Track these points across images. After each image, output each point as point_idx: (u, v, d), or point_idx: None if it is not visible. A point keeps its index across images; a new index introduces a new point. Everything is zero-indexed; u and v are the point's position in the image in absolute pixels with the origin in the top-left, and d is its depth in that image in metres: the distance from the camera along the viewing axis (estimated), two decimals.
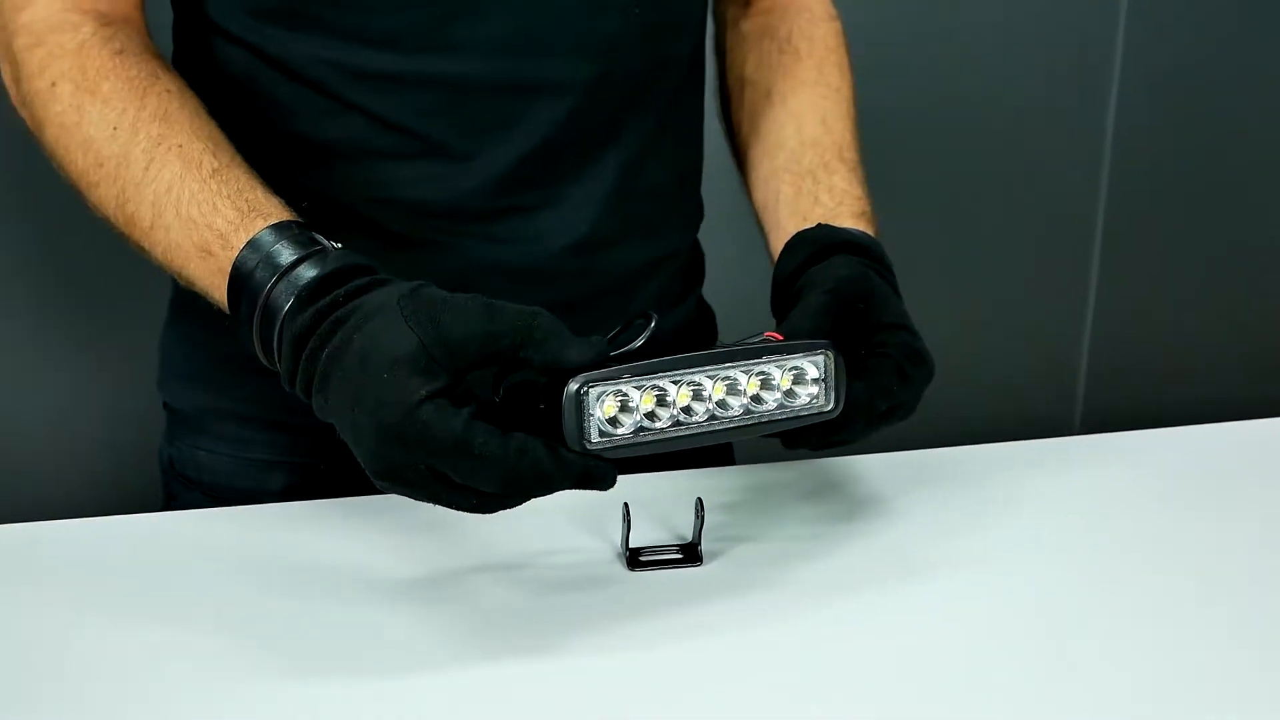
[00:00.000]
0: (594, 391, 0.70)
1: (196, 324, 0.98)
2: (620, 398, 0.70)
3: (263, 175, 0.80)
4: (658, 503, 0.87)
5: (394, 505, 0.79)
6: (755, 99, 1.00)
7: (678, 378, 0.72)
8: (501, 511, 0.71)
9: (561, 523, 0.86)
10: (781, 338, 0.77)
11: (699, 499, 0.83)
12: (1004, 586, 0.81)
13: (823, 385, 0.75)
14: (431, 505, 0.70)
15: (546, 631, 0.76)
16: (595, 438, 0.70)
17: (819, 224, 0.89)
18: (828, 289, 0.81)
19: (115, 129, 0.80)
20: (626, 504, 0.82)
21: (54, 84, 0.82)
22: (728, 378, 0.73)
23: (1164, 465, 0.97)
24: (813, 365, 0.75)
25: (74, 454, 1.47)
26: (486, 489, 0.69)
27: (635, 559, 0.82)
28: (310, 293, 0.71)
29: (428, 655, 0.73)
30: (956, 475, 0.94)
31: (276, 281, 0.73)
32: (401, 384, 0.67)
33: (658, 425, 0.72)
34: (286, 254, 0.73)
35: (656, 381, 0.71)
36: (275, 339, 0.72)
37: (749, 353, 0.74)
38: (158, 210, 0.78)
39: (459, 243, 0.91)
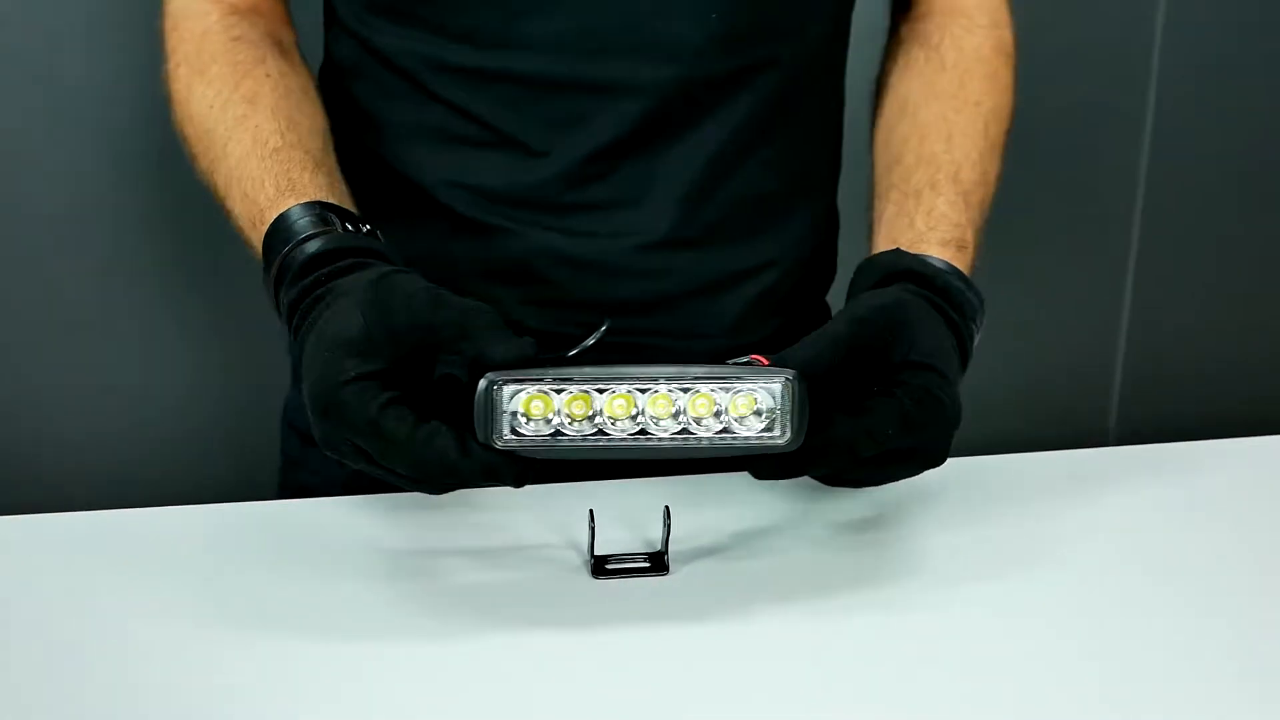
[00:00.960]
0: (507, 389, 0.70)
1: None
2: (536, 398, 0.70)
3: (356, 157, 0.91)
4: (638, 510, 0.85)
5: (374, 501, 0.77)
6: (891, 109, 0.97)
7: (603, 387, 0.70)
8: (473, 508, 0.75)
9: (532, 525, 0.84)
10: (766, 362, 0.74)
11: (666, 507, 0.81)
12: (1009, 598, 0.79)
13: (776, 416, 0.71)
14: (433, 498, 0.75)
15: (494, 635, 0.74)
16: (506, 434, 0.70)
17: (895, 249, 0.85)
18: (854, 318, 0.76)
19: (211, 107, 0.88)
20: (591, 510, 0.80)
21: (178, 65, 0.92)
22: (662, 393, 0.71)
23: (1201, 479, 0.93)
24: (766, 394, 0.71)
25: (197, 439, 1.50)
26: (400, 471, 0.71)
27: (601, 566, 0.80)
28: (302, 268, 0.77)
29: (375, 656, 0.72)
30: (977, 484, 0.91)
31: (286, 254, 0.78)
32: (336, 363, 0.70)
33: (578, 432, 0.70)
34: (301, 230, 0.79)
35: (576, 387, 0.70)
36: (280, 311, 0.79)
37: (698, 374, 0.71)
38: (229, 183, 0.85)
39: (528, 231, 0.92)
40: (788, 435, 0.71)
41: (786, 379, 0.71)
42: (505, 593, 0.78)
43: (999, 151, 0.95)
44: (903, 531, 0.85)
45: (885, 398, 0.75)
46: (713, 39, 0.89)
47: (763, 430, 0.71)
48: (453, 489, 0.73)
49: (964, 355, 0.82)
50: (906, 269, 0.82)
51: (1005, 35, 0.99)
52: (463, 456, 0.70)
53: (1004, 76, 0.97)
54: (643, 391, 0.71)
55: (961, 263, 0.86)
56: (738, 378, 0.71)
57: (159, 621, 0.75)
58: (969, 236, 0.88)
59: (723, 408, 0.71)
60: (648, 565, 0.80)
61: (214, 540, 0.83)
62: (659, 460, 0.79)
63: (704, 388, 0.71)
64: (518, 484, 0.72)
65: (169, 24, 0.94)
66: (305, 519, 0.86)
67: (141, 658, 0.72)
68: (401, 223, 0.93)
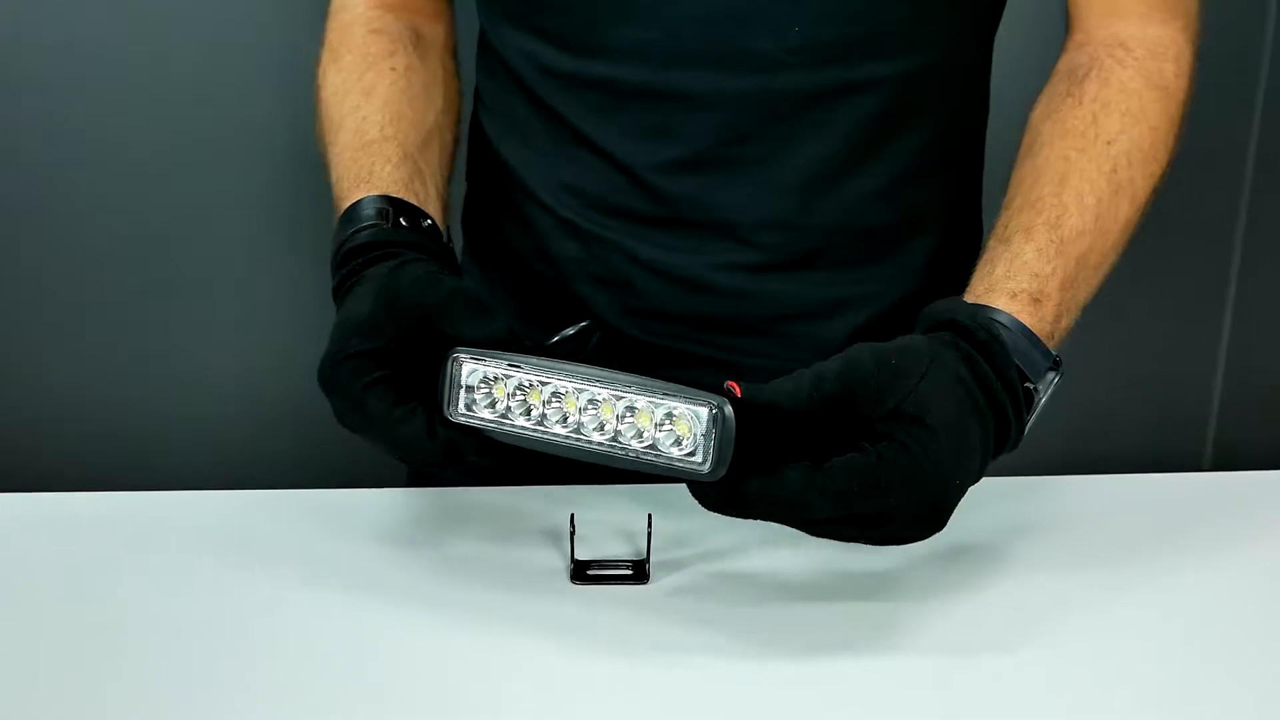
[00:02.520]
0: (466, 366, 0.72)
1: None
2: (491, 379, 0.71)
3: (485, 157, 0.97)
4: (633, 517, 0.83)
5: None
6: (1023, 148, 0.88)
7: (546, 379, 0.70)
8: (465, 505, 0.78)
9: (524, 526, 0.83)
10: (740, 392, 0.69)
11: (649, 515, 0.79)
12: (1030, 622, 0.75)
13: (699, 443, 0.68)
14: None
15: (464, 635, 0.73)
16: (461, 409, 0.72)
17: (955, 297, 0.78)
18: (848, 357, 0.70)
19: (335, 93, 0.92)
20: (572, 515, 0.79)
21: (324, 53, 0.96)
22: (593, 397, 0.70)
23: None
24: (692, 418, 0.68)
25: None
26: (379, 445, 0.74)
27: (582, 572, 0.78)
28: (345, 256, 0.81)
29: (346, 651, 0.72)
30: (1047, 505, 0.86)
31: (342, 242, 0.82)
32: (341, 340, 0.75)
33: (520, 421, 0.71)
34: (359, 220, 0.82)
35: (524, 376, 0.71)
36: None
37: (635, 384, 0.69)
38: (331, 168, 0.89)
39: (621, 240, 0.92)
40: (709, 465, 0.68)
41: (712, 406, 0.67)
42: (482, 593, 0.77)
43: (1132, 195, 0.84)
44: (912, 551, 0.80)
45: (855, 452, 0.68)
46: (794, 53, 0.85)
47: (686, 455, 0.69)
48: (435, 467, 0.74)
49: (1003, 420, 0.72)
50: (950, 319, 0.74)
51: (1166, 67, 0.88)
52: (428, 439, 0.72)
53: (1153, 113, 0.86)
54: (579, 392, 0.70)
55: (1032, 316, 0.76)
56: (668, 395, 0.68)
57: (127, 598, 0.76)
58: (1051, 288, 0.78)
59: (655, 423, 0.69)
60: (630, 573, 0.78)
61: (201, 526, 0.83)
62: (612, 468, 0.74)
63: (639, 400, 0.69)
64: (473, 474, 0.73)
65: (330, 12, 0.98)
66: (281, 510, 0.85)
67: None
68: (514, 219, 0.96)
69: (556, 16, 0.89)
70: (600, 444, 0.70)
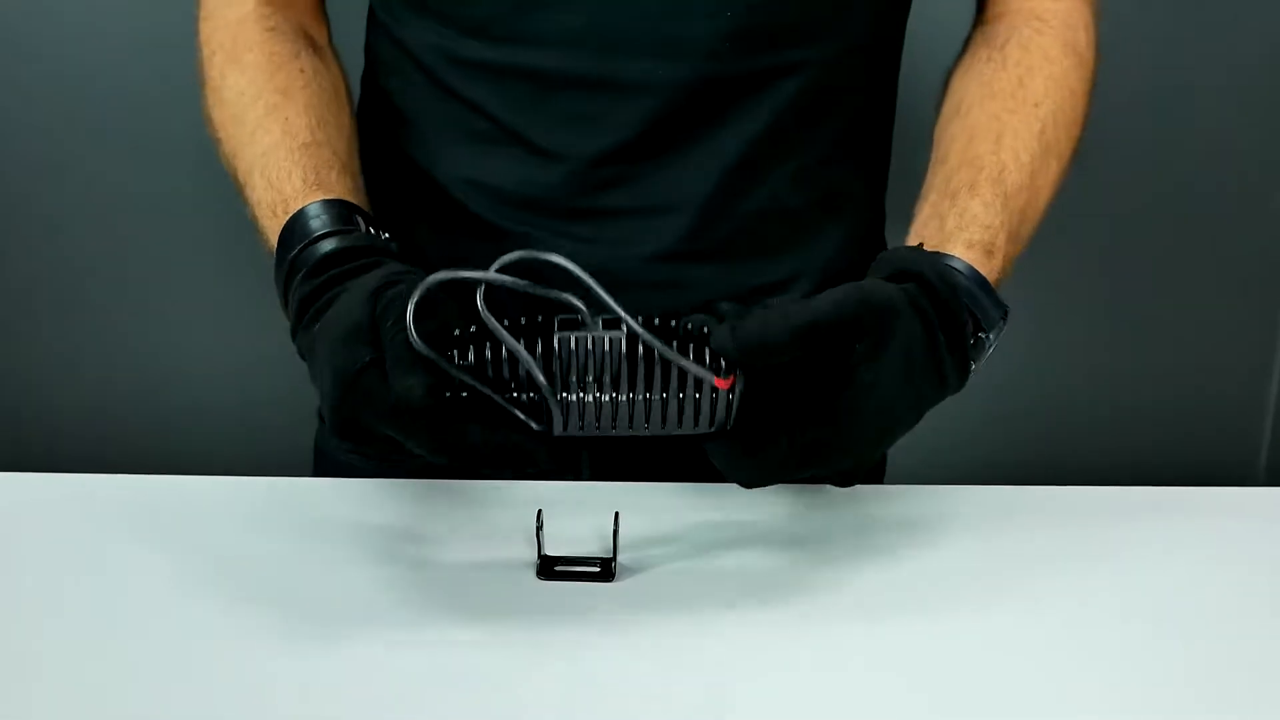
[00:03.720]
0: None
1: None
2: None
3: (385, 155, 0.92)
4: (609, 514, 0.81)
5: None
6: (946, 111, 0.91)
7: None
8: (445, 494, 0.77)
9: (499, 519, 0.82)
10: (723, 385, 0.70)
11: (616, 513, 0.78)
12: (1019, 631, 0.73)
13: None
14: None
15: (424, 628, 0.73)
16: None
17: (914, 246, 0.81)
18: (834, 300, 0.71)
19: (243, 94, 0.88)
20: (540, 511, 0.78)
21: (213, 53, 0.92)
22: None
23: None
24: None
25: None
26: (420, 450, 0.70)
27: (548, 568, 0.78)
28: (319, 264, 0.76)
29: (302, 647, 0.72)
30: (1094, 517, 0.84)
31: (304, 248, 0.78)
32: (351, 352, 0.69)
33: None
34: (318, 227, 0.79)
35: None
36: (288, 301, 0.78)
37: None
38: (251, 170, 0.85)
39: (542, 236, 0.90)
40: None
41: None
42: (448, 585, 0.77)
43: (1058, 156, 0.87)
44: (953, 557, 0.80)
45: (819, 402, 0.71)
46: (727, 38, 0.85)
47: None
48: (475, 467, 0.71)
49: (944, 376, 0.75)
50: (913, 270, 0.76)
51: (1080, 37, 0.92)
52: (486, 434, 0.69)
53: (1073, 79, 0.90)
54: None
55: (986, 267, 0.80)
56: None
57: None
58: (1000, 241, 0.82)
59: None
60: (597, 570, 0.78)
61: (191, 510, 0.84)
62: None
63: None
64: (552, 463, 0.70)
65: (203, 14, 0.94)
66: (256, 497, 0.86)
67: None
68: (424, 222, 0.94)
69: (473, 4, 0.87)
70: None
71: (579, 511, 0.82)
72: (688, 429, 0.71)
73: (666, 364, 0.70)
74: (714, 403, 0.70)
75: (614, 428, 0.71)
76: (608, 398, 0.70)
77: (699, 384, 0.70)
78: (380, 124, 0.95)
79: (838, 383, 0.71)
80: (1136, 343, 1.63)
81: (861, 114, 0.94)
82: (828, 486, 0.86)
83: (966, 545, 0.82)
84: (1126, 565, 0.80)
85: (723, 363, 0.70)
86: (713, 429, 0.71)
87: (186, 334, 1.56)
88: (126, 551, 0.80)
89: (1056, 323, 1.62)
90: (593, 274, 0.85)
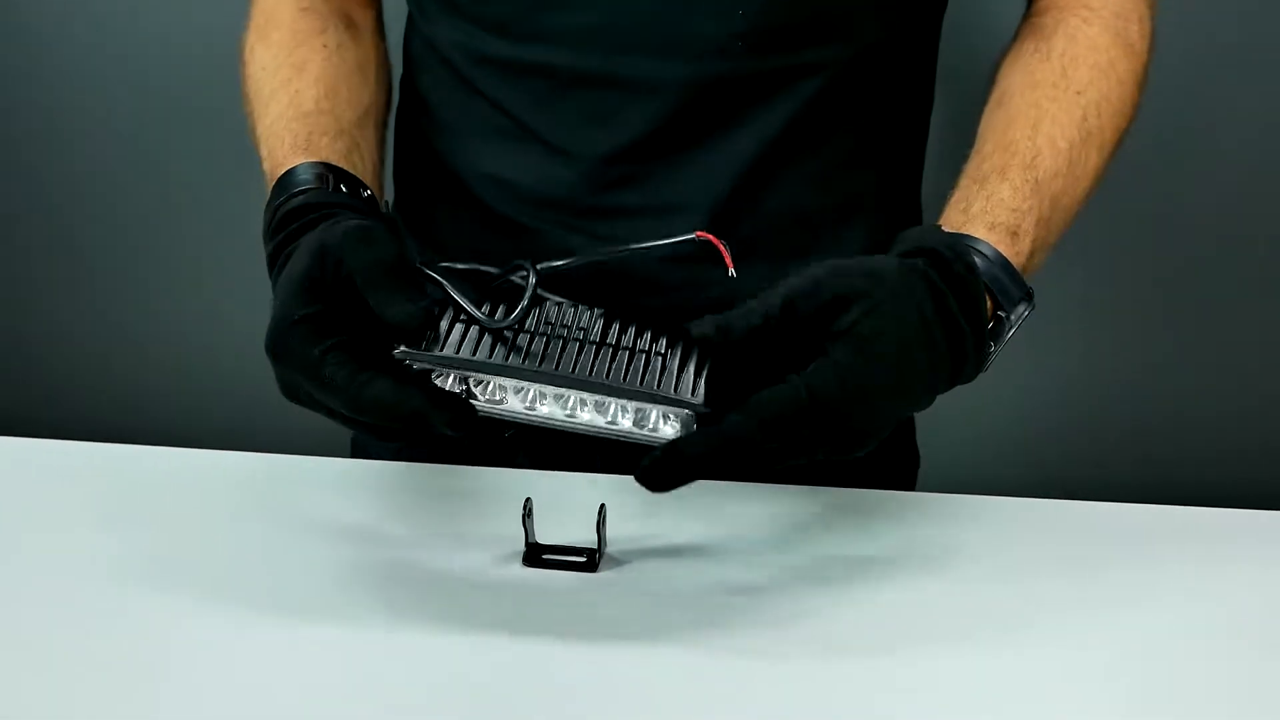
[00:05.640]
0: (415, 368, 0.70)
1: None
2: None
3: (416, 149, 0.96)
4: (612, 506, 0.82)
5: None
6: (991, 103, 0.90)
7: (505, 384, 0.70)
8: (442, 474, 0.80)
9: (494, 507, 0.83)
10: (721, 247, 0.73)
11: (601, 505, 0.79)
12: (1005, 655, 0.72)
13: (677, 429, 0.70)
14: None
15: (403, 610, 0.74)
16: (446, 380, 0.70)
17: (933, 225, 0.80)
18: (799, 278, 0.73)
19: (264, 69, 0.92)
20: (529, 499, 0.79)
21: (249, 31, 0.96)
22: (567, 400, 0.70)
23: None
24: (672, 422, 0.70)
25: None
26: (339, 414, 0.72)
27: (535, 556, 0.79)
28: (280, 221, 0.79)
29: (283, 628, 0.73)
30: (1146, 534, 0.83)
31: (281, 204, 0.81)
32: (285, 306, 0.72)
33: (485, 403, 0.70)
34: (297, 183, 0.81)
35: (475, 379, 0.70)
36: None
37: (609, 386, 0.69)
38: (260, 141, 0.89)
39: (558, 233, 0.91)
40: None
41: (684, 413, 0.70)
42: (433, 568, 0.78)
43: (1100, 144, 0.86)
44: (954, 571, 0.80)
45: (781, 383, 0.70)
46: (738, 37, 0.86)
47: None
48: (396, 436, 0.74)
49: (959, 356, 0.74)
50: (930, 246, 0.75)
51: (1131, 27, 0.90)
52: (396, 402, 0.69)
53: (1121, 68, 0.88)
54: (556, 397, 0.70)
55: (1010, 249, 0.79)
56: (646, 400, 0.69)
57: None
58: (1028, 225, 0.81)
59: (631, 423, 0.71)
60: (583, 560, 0.78)
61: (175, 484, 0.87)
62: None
63: (612, 404, 0.70)
64: (454, 429, 0.70)
65: None
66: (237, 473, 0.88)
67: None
68: (448, 216, 0.96)
69: (494, 3, 0.89)
70: (574, 425, 0.70)
71: (579, 504, 0.82)
72: (661, 397, 0.70)
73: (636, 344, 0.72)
74: (690, 381, 0.71)
75: (580, 378, 0.70)
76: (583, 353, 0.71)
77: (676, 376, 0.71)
78: (412, 120, 0.98)
79: (815, 353, 0.71)
80: (1184, 360, 1.60)
81: (884, 116, 0.93)
82: (823, 488, 0.86)
83: (953, 553, 0.82)
84: (1175, 586, 0.78)
85: (697, 385, 0.70)
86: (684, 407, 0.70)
87: (226, 308, 1.58)
88: (119, 521, 0.82)
89: (1106, 329, 1.60)
90: (612, 273, 0.88)
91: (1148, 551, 0.82)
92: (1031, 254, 0.81)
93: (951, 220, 0.81)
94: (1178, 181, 1.53)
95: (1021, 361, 1.58)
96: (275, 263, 0.77)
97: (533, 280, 0.72)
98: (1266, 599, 0.78)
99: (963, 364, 0.75)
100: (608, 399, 0.70)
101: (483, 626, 0.73)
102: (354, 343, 0.71)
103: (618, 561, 0.79)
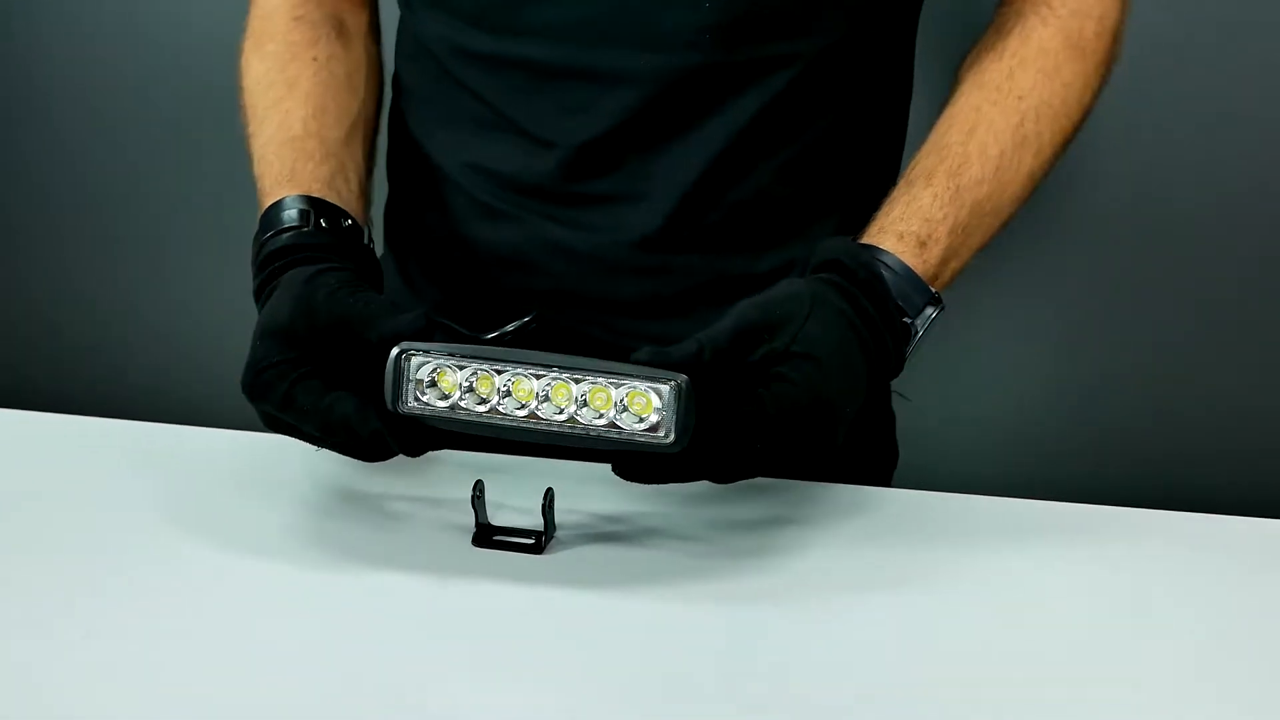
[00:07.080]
0: (415, 359, 0.73)
1: None
2: (440, 370, 0.73)
3: (403, 140, 0.98)
4: (572, 491, 0.84)
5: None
6: (950, 95, 0.92)
7: (501, 368, 0.72)
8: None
9: (449, 489, 0.84)
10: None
11: (548, 489, 0.80)
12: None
13: (663, 417, 0.71)
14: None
15: (347, 581, 0.75)
16: (411, 403, 0.74)
17: (842, 237, 0.84)
18: (738, 312, 0.76)
19: (258, 83, 0.95)
20: (480, 481, 0.80)
21: (246, 39, 0.98)
22: (557, 381, 0.72)
23: None
24: (654, 394, 0.72)
25: None
26: (312, 436, 0.77)
27: (484, 536, 0.80)
28: (265, 259, 0.84)
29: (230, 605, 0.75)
30: (1165, 539, 0.82)
31: (266, 242, 0.85)
32: (262, 350, 0.77)
33: (474, 408, 0.73)
34: (279, 222, 0.85)
35: (476, 364, 0.73)
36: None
37: (593, 367, 0.72)
38: (254, 161, 0.92)
39: (533, 220, 0.94)
40: (672, 436, 0.72)
41: (675, 384, 0.71)
42: (384, 545, 0.79)
43: (1037, 149, 0.88)
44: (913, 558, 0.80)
45: (753, 407, 0.73)
46: (706, 30, 0.87)
47: (648, 430, 0.72)
48: (368, 455, 0.77)
49: (884, 352, 0.79)
50: (835, 259, 0.80)
51: (1087, 26, 0.91)
52: (363, 420, 0.74)
53: (1067, 72, 0.90)
54: (537, 378, 0.73)
55: (917, 258, 0.83)
56: (630, 375, 0.72)
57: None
58: (940, 233, 0.84)
59: (616, 403, 0.72)
60: (531, 542, 0.79)
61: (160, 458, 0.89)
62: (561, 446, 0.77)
63: (599, 380, 0.72)
64: (411, 452, 0.76)
65: (252, 1, 0.99)
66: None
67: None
68: (432, 206, 0.98)
69: None
70: (558, 424, 0.72)
71: (532, 487, 0.82)
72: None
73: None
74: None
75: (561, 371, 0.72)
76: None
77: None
78: (401, 111, 1.00)
79: (760, 381, 0.74)
80: (1201, 364, 1.57)
81: (857, 108, 0.94)
82: (797, 482, 0.87)
83: (894, 543, 0.81)
84: (1202, 595, 0.77)
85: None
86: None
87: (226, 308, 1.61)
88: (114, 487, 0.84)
89: (1090, 335, 1.57)
90: (586, 258, 0.91)
91: (1123, 554, 0.81)
92: (944, 260, 0.84)
93: (870, 229, 0.85)
94: (1161, 181, 1.51)
95: (1002, 361, 1.58)
96: (259, 295, 0.83)
97: (526, 322, 0.77)
98: (1243, 604, 0.77)
99: (888, 356, 0.80)
100: (596, 378, 0.72)
101: (428, 602, 0.74)
102: (323, 371, 0.76)
103: (565, 544, 0.80)
